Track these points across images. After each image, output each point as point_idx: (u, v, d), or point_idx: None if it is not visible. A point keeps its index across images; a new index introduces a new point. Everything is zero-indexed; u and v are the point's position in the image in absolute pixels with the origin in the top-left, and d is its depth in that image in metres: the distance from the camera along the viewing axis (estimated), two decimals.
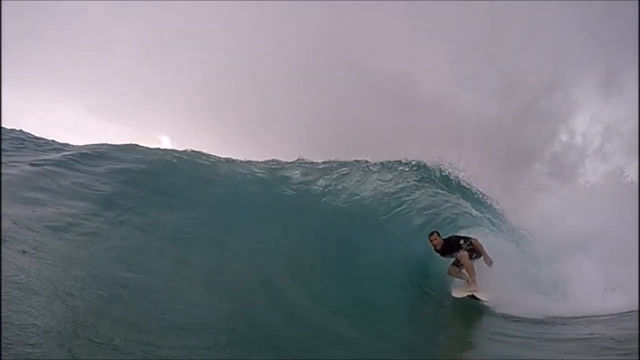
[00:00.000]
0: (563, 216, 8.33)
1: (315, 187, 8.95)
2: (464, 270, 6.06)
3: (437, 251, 6.18)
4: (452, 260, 6.20)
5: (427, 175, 9.23)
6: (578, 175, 10.38)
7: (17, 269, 3.34)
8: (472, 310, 5.60)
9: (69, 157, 7.95)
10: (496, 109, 11.80)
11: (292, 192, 8.61)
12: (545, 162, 10.77)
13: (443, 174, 9.01)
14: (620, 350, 3.62)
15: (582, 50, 14.21)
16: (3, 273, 3.10)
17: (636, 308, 5.06)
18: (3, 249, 3.55)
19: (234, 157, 10.16)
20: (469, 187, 8.87)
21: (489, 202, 8.64)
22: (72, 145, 9.84)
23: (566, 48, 14.69)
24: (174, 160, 9.08)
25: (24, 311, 2.78)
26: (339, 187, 9.03)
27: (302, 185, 8.95)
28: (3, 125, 9.98)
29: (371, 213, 8.24)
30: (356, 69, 16.34)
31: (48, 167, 7.08)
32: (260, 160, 10.24)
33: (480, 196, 8.77)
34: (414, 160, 9.36)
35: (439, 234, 6.20)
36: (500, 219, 8.40)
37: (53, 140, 10.33)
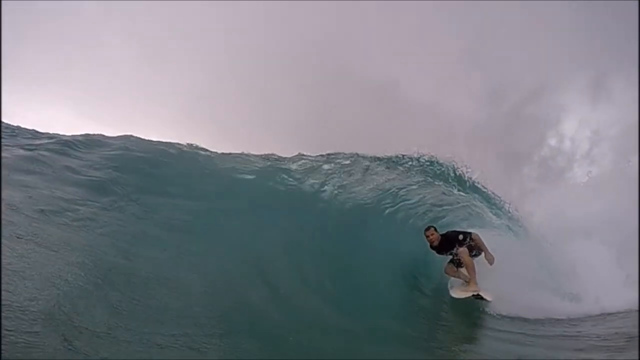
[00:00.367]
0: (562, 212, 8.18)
1: (314, 180, 8.91)
2: (462, 269, 5.62)
3: (434, 248, 5.71)
4: (449, 258, 5.72)
5: (423, 170, 9.25)
6: (566, 179, 10.44)
7: (13, 254, 3.30)
8: (470, 306, 5.43)
9: (63, 143, 7.84)
10: (485, 114, 11.89)
11: (290, 183, 8.57)
12: (533, 166, 10.86)
13: (444, 170, 9.01)
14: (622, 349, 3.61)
15: (570, 54, 14.23)
16: None
17: (636, 308, 4.99)
18: None
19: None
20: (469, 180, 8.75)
21: (491, 197, 8.50)
22: (66, 135, 9.64)
23: (554, 52, 14.76)
24: (172, 150, 9.01)
25: (19, 296, 2.74)
26: (336, 179, 9.01)
27: (300, 177, 8.91)
28: None
29: (369, 206, 8.21)
30: (346, 74, 16.85)
31: (42, 152, 6.97)
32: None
33: (488, 192, 8.60)
34: (409, 156, 9.45)
35: (435, 229, 5.68)
36: (503, 211, 8.20)
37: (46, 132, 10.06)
